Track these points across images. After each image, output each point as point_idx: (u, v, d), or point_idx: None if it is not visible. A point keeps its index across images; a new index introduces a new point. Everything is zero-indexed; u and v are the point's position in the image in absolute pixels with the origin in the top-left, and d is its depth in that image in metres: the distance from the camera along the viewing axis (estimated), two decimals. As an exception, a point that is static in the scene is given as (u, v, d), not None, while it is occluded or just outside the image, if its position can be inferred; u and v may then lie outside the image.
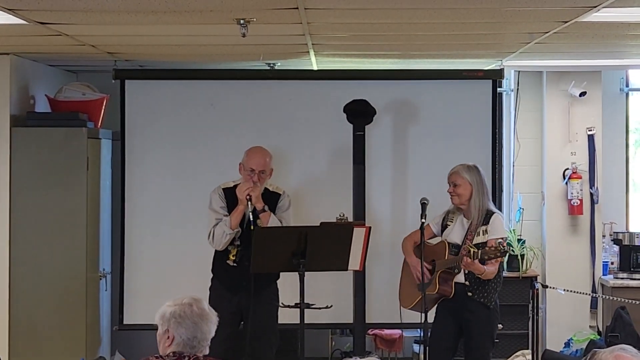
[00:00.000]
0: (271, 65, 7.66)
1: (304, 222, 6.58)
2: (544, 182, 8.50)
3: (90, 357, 7.23)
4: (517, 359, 8.01)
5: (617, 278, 8.24)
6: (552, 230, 8.41)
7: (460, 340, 6.27)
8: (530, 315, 7.86)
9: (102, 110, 7.71)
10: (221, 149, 7.34)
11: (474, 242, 6.12)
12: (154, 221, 7.45)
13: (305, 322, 5.84)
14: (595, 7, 4.84)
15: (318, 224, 5.97)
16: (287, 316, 6.39)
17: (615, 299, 7.89)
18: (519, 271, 8.14)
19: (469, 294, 6.11)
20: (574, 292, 8.00)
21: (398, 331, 7.96)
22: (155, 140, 7.46)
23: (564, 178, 8.35)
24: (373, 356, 3.05)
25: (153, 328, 3.83)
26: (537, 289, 7.77)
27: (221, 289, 6.33)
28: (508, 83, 8.65)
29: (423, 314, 5.98)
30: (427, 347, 6.26)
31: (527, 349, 7.99)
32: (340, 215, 6.46)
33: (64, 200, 7.15)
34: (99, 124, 7.67)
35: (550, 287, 8.11)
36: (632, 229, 8.62)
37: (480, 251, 6.00)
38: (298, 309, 5.81)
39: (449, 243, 6.15)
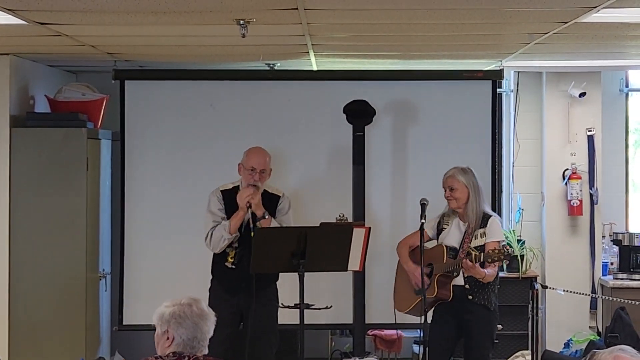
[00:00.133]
0: (271, 65, 7.66)
1: (303, 222, 6.58)
2: (543, 182, 8.50)
3: (90, 358, 7.23)
4: (516, 359, 8.02)
5: (616, 279, 8.24)
6: (552, 231, 8.41)
7: (459, 341, 6.27)
8: (530, 316, 7.86)
9: (102, 111, 7.71)
10: (221, 149, 7.34)
11: (471, 246, 6.12)
12: (154, 222, 7.45)
13: (305, 322, 5.84)
14: (594, 7, 4.84)
15: (318, 225, 5.97)
16: (286, 317, 6.39)
17: (614, 299, 7.89)
18: (518, 272, 8.14)
19: (470, 297, 6.11)
20: (574, 292, 8.00)
21: (398, 332, 7.97)
22: (155, 140, 7.47)
23: (564, 178, 8.35)
24: (372, 357, 3.05)
25: (153, 328, 3.84)
26: (537, 290, 7.77)
27: (220, 291, 6.34)
28: (508, 84, 8.65)
29: (423, 315, 5.96)
30: (425, 349, 6.26)
31: (527, 349, 7.99)
32: (340, 216, 6.46)
33: (64, 201, 7.15)
34: (99, 125, 7.67)
35: (550, 288, 8.11)
36: (631, 230, 8.63)
37: (482, 254, 6.01)
38: (298, 310, 5.81)
39: (446, 246, 6.14)
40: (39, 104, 7.58)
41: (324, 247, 5.78)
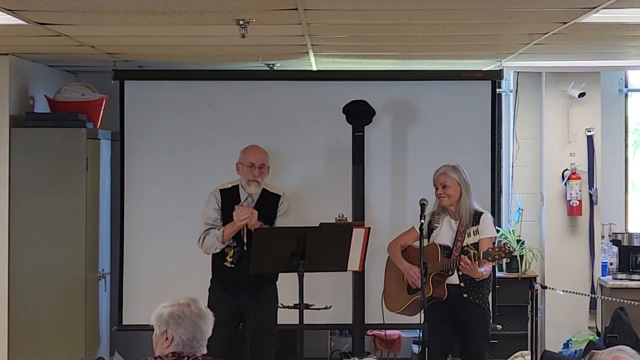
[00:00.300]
0: (270, 65, 7.67)
1: (303, 222, 6.58)
2: (543, 182, 8.50)
3: (90, 358, 7.23)
4: (516, 360, 8.03)
5: (616, 279, 8.24)
6: (551, 231, 8.42)
7: (454, 340, 6.27)
8: (530, 316, 7.87)
9: (102, 111, 7.71)
10: (220, 149, 7.34)
11: (465, 244, 6.13)
12: (153, 221, 7.45)
13: (305, 322, 5.84)
14: (594, 8, 4.85)
15: (317, 225, 5.97)
16: (286, 317, 6.39)
17: (614, 299, 7.90)
18: (518, 272, 8.15)
19: (465, 295, 6.12)
20: (573, 292, 8.00)
21: (397, 332, 7.97)
22: (155, 140, 7.47)
23: (563, 179, 8.35)
24: (372, 357, 3.05)
25: (152, 329, 3.84)
26: (536, 290, 7.78)
27: (220, 291, 6.34)
28: (507, 84, 8.66)
29: (422, 315, 5.97)
30: (424, 349, 6.26)
31: (526, 349, 7.99)
32: (339, 216, 6.46)
33: (63, 201, 7.15)
34: (98, 125, 7.67)
35: (550, 288, 8.11)
36: (631, 230, 8.63)
37: (482, 252, 6.01)
38: (297, 310, 5.81)
39: (440, 245, 6.14)
40: (39, 104, 7.58)
41: (324, 247, 5.78)
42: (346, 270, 6.02)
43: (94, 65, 7.71)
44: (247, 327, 6.24)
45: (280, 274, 6.33)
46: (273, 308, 6.33)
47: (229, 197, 6.29)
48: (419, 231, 6.28)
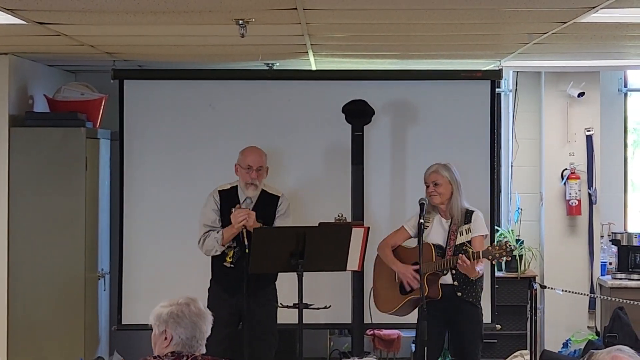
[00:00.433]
0: (270, 65, 7.67)
1: (302, 222, 6.58)
2: (542, 182, 8.51)
3: (89, 357, 7.23)
4: (515, 359, 8.02)
5: (615, 278, 8.25)
6: (551, 231, 8.42)
7: (446, 337, 6.28)
8: (529, 316, 7.86)
9: (101, 110, 7.71)
10: (220, 148, 7.34)
11: (457, 242, 6.14)
12: (153, 221, 7.45)
13: (304, 322, 5.83)
14: (593, 7, 4.85)
15: (316, 225, 5.97)
16: (285, 316, 6.39)
17: (613, 299, 7.90)
18: (517, 271, 8.16)
19: (459, 294, 6.13)
20: (572, 292, 8.00)
21: (396, 331, 7.97)
22: (154, 140, 7.46)
23: (562, 178, 8.36)
24: (371, 356, 3.05)
25: (151, 328, 3.84)
26: (536, 290, 7.77)
27: (219, 291, 6.34)
28: (506, 83, 8.66)
29: (422, 314, 5.96)
30: (417, 348, 6.26)
31: (526, 349, 7.99)
32: (338, 216, 6.46)
33: (63, 200, 7.15)
34: (98, 124, 7.67)
35: (549, 288, 8.11)
36: (630, 230, 8.63)
37: (482, 251, 6.02)
38: (296, 309, 5.81)
39: (433, 245, 6.13)
40: (38, 104, 7.57)
41: (323, 247, 5.78)
42: (345, 269, 6.02)
43: (93, 64, 7.71)
44: (246, 327, 6.25)
45: (279, 274, 6.33)
46: (272, 308, 6.32)
47: (228, 198, 6.29)
48: (409, 231, 6.30)
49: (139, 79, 7.55)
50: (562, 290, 7.96)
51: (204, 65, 7.68)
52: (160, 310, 3.81)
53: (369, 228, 5.97)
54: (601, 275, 8.38)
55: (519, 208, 8.49)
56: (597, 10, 4.91)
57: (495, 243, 6.79)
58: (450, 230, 6.16)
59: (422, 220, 6.07)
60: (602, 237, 8.47)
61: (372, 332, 7.88)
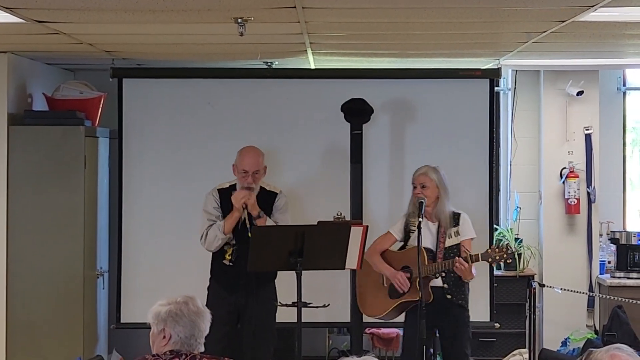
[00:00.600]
0: (269, 64, 7.67)
1: (301, 221, 6.58)
2: (541, 181, 8.51)
3: (88, 356, 7.23)
4: (513, 358, 8.03)
5: (614, 277, 8.25)
6: (549, 229, 8.42)
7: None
8: (527, 314, 7.87)
9: (100, 109, 7.71)
10: (218, 147, 7.34)
11: (447, 245, 6.16)
12: (152, 219, 7.45)
13: (303, 321, 5.83)
14: (592, 6, 4.85)
15: (315, 223, 5.97)
16: (284, 315, 6.39)
17: (612, 298, 7.90)
18: (516, 270, 8.16)
19: (448, 296, 6.15)
20: (571, 291, 8.00)
21: (395, 330, 7.96)
22: (153, 138, 7.46)
23: (561, 177, 8.36)
24: (370, 355, 3.05)
25: (150, 327, 3.84)
26: (534, 288, 7.77)
27: (218, 289, 6.34)
28: (505, 82, 8.66)
29: (420, 313, 5.97)
30: (408, 347, 6.27)
31: (524, 347, 8.00)
32: (337, 214, 6.46)
33: (62, 199, 7.15)
34: (97, 123, 7.67)
35: (548, 286, 8.11)
36: (629, 228, 8.64)
37: (481, 254, 6.04)
38: (295, 308, 5.81)
39: (424, 248, 6.13)
40: (37, 102, 7.57)
41: (322, 245, 5.78)
42: (344, 268, 6.01)
43: (92, 63, 7.71)
44: (245, 326, 6.25)
45: (278, 272, 6.33)
46: (272, 306, 6.32)
47: (227, 197, 6.29)
48: (395, 235, 6.32)
49: (138, 77, 7.55)
50: (561, 289, 7.96)
51: (203, 64, 7.68)
52: (159, 308, 3.81)
53: (367, 227, 5.97)
54: (600, 273, 8.38)
55: (517, 207, 8.49)
56: (595, 9, 4.91)
57: (494, 245, 6.81)
58: (439, 233, 6.18)
59: (420, 219, 6.08)
60: (600, 235, 8.47)
61: (371, 330, 7.88)
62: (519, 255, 8.13)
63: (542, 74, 8.44)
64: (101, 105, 7.71)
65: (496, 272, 7.78)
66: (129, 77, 7.48)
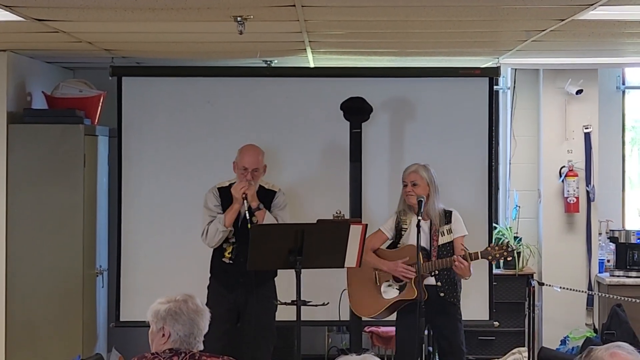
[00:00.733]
0: (268, 62, 7.66)
1: (300, 219, 6.59)
2: (540, 179, 8.51)
3: (87, 354, 7.23)
4: (513, 357, 8.03)
5: (613, 276, 8.25)
6: (549, 228, 8.42)
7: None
8: (527, 313, 7.87)
9: (99, 107, 7.71)
10: (218, 145, 7.34)
11: (440, 243, 6.16)
12: (151, 218, 7.45)
13: (302, 319, 5.84)
14: (591, 5, 4.85)
15: (315, 222, 5.97)
16: (283, 313, 6.39)
17: (611, 296, 7.90)
18: (515, 269, 8.16)
19: (441, 294, 6.16)
20: (570, 289, 8.01)
21: (394, 328, 7.96)
22: (152, 137, 7.46)
23: (560, 176, 8.36)
24: (369, 353, 3.06)
25: (149, 325, 3.84)
26: (534, 287, 7.78)
27: (218, 287, 6.35)
28: (505, 81, 8.66)
29: (419, 311, 5.97)
30: (401, 345, 6.28)
31: (523, 346, 8.00)
32: (336, 213, 6.47)
33: (61, 197, 7.15)
34: (96, 121, 7.67)
35: (547, 285, 8.12)
36: (628, 227, 8.63)
37: (480, 252, 6.04)
38: (295, 306, 5.81)
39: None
40: (36, 101, 7.57)
41: (321, 243, 5.78)
42: (343, 266, 6.02)
43: (91, 61, 7.70)
44: (245, 324, 6.25)
45: (279, 271, 6.33)
46: (271, 305, 6.33)
47: (227, 195, 6.30)
48: (386, 233, 6.32)
49: (137, 75, 7.55)
50: (560, 288, 7.97)
51: (202, 62, 7.68)
52: (158, 307, 3.81)
53: (367, 225, 5.97)
54: (599, 272, 8.38)
55: (517, 205, 8.49)
56: (595, 8, 4.91)
57: (494, 243, 6.81)
58: (431, 231, 6.18)
59: (419, 217, 6.08)
60: (600, 234, 8.48)
61: (370, 329, 7.88)
62: (518, 253, 8.12)
63: (541, 73, 8.45)
64: (100, 104, 7.71)
65: (495, 271, 7.79)
66: (129, 76, 7.48)
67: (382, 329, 7.94)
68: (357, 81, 7.43)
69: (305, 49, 6.82)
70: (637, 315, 7.82)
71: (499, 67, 7.54)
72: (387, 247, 6.42)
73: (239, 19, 5.16)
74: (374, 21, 5.56)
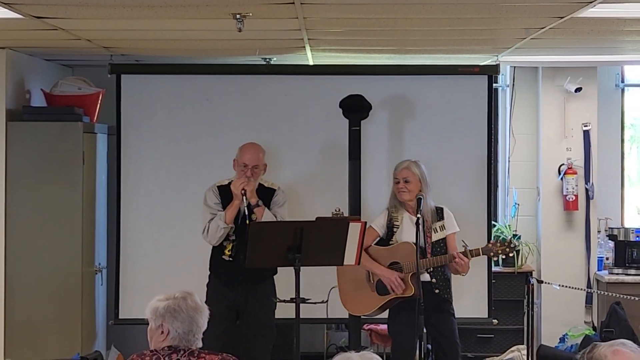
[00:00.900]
0: (267, 60, 7.66)
1: (299, 217, 6.58)
2: (539, 177, 8.51)
3: (86, 352, 7.22)
4: (512, 354, 8.03)
5: (612, 273, 8.25)
6: (548, 226, 8.42)
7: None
8: (526, 311, 7.87)
9: (98, 105, 7.71)
10: (217, 143, 7.34)
11: (433, 240, 6.15)
12: (150, 216, 7.45)
13: (301, 317, 5.83)
14: (590, 2, 4.85)
15: (314, 219, 5.97)
16: (282, 311, 6.39)
17: (610, 294, 7.90)
18: (514, 266, 8.16)
19: (436, 291, 6.16)
20: (569, 287, 8.00)
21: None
22: (151, 134, 7.46)
23: (559, 174, 8.36)
24: (368, 351, 3.05)
25: (148, 322, 3.84)
26: (532, 285, 7.77)
27: (218, 285, 6.35)
28: (504, 79, 8.66)
29: (418, 309, 5.97)
30: (395, 347, 6.28)
31: (522, 344, 8.00)
32: (336, 210, 6.46)
33: (60, 195, 7.15)
34: (95, 119, 7.67)
35: (546, 283, 8.11)
36: (627, 225, 8.63)
37: (481, 248, 6.04)
38: (293, 304, 5.81)
39: (414, 244, 6.11)
40: (35, 98, 7.57)
41: (320, 241, 5.77)
42: (343, 264, 6.01)
43: (90, 59, 7.70)
44: (244, 322, 6.25)
45: (279, 268, 6.33)
46: (271, 302, 6.33)
47: (227, 193, 6.30)
48: (377, 230, 6.30)
49: (136, 73, 7.55)
50: (559, 285, 7.97)
51: (201, 60, 7.68)
52: (157, 304, 3.81)
53: (366, 223, 5.97)
54: (598, 270, 8.38)
55: (516, 203, 8.49)
56: (594, 5, 4.91)
57: (494, 240, 6.80)
58: (424, 228, 6.17)
59: (419, 215, 6.07)
60: (599, 232, 8.48)
61: (369, 327, 7.87)
62: (517, 251, 8.12)
63: (540, 71, 8.44)
64: (99, 102, 7.71)
65: (494, 269, 7.79)
66: (127, 74, 7.48)
67: (381, 326, 7.93)
68: (356, 79, 7.42)
69: (304, 47, 6.82)
70: (636, 313, 7.82)
71: (498, 64, 7.54)
72: (377, 244, 6.38)
73: (238, 16, 5.16)
74: (373, 19, 5.56)
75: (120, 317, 7.45)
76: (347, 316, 7.09)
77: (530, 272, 8.15)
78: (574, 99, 8.33)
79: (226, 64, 7.69)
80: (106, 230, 7.78)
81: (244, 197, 6.14)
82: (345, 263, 5.94)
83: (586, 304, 8.37)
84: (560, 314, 8.29)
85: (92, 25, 5.79)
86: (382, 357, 7.80)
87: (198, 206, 6.51)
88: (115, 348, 7.93)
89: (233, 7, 4.99)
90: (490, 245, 6.13)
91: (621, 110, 8.78)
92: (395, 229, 6.28)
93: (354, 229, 5.82)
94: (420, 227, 6.14)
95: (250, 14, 5.15)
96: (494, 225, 8.06)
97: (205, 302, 3.95)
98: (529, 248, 8.34)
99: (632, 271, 8.17)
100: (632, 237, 8.24)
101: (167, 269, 7.34)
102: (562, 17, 5.38)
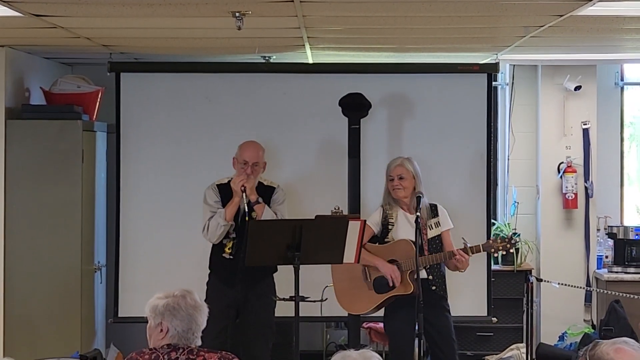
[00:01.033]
0: (267, 58, 7.66)
1: (299, 215, 6.59)
2: (538, 175, 8.51)
3: (85, 350, 7.22)
4: (511, 352, 8.03)
5: (611, 272, 8.25)
6: (547, 224, 8.42)
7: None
8: (525, 309, 7.88)
9: (97, 103, 7.70)
10: (216, 141, 7.34)
11: (429, 237, 6.16)
12: (149, 214, 7.45)
13: (300, 315, 5.83)
14: (590, 0, 4.84)
15: (313, 217, 5.97)
16: (282, 309, 6.40)
17: (609, 292, 7.90)
18: (513, 265, 8.16)
19: (433, 287, 6.16)
20: (569, 285, 8.01)
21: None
22: (151, 133, 7.46)
23: (559, 172, 8.36)
24: (368, 349, 3.06)
25: (147, 321, 3.84)
26: (532, 283, 7.78)
27: (218, 283, 6.35)
28: (503, 77, 8.66)
29: (417, 307, 5.96)
30: (393, 345, 6.28)
31: (522, 342, 8.01)
32: (335, 209, 6.47)
33: (59, 193, 7.14)
34: (94, 117, 7.67)
35: (545, 281, 8.12)
36: (626, 223, 8.64)
37: (482, 245, 6.04)
38: (293, 302, 5.81)
39: (411, 241, 6.11)
40: (34, 96, 7.56)
41: (320, 239, 5.77)
42: (342, 262, 6.01)
43: (90, 57, 7.70)
44: (243, 320, 6.25)
45: (279, 267, 6.33)
46: (270, 301, 6.33)
47: (227, 191, 6.30)
48: (372, 227, 6.28)
49: (136, 71, 7.55)
50: (558, 284, 7.97)
51: (201, 58, 7.67)
52: (156, 302, 3.82)
53: (365, 221, 5.97)
54: (597, 268, 8.38)
55: (515, 201, 8.49)
56: (594, 3, 4.91)
57: (494, 236, 6.81)
58: (420, 225, 6.16)
59: (418, 214, 6.07)
60: (598, 230, 8.48)
61: (368, 325, 7.88)
62: (517, 249, 8.13)
63: (539, 69, 8.44)
64: (99, 100, 7.70)
65: (494, 267, 7.79)
66: (127, 72, 7.48)
67: (380, 325, 7.94)
68: (356, 77, 7.43)
69: (303, 45, 6.82)
70: (635, 311, 7.82)
71: (498, 63, 7.54)
72: (370, 241, 6.36)
73: (237, 14, 5.15)
74: (372, 17, 5.55)
75: (119, 315, 7.45)
76: (346, 314, 7.10)
77: (530, 271, 8.15)
78: (573, 97, 8.33)
79: (225, 62, 7.68)
80: (106, 229, 7.78)
81: (244, 194, 6.14)
82: (344, 261, 5.94)
83: (585, 303, 8.37)
84: (560, 312, 8.29)
85: (91, 24, 5.79)
86: (381, 355, 7.80)
87: (198, 204, 6.52)
88: (114, 346, 7.93)
89: (232, 5, 4.99)
90: (490, 241, 6.13)
91: (620, 108, 8.78)
92: (390, 227, 6.27)
93: (354, 227, 5.82)
94: (413, 223, 6.14)
95: (250, 12, 5.14)
96: (494, 224, 8.06)
97: (205, 300, 3.95)
98: (529, 246, 8.34)
99: (632, 269, 8.17)
100: (632, 236, 8.24)
101: (167, 267, 7.34)
102: (561, 15, 5.38)
